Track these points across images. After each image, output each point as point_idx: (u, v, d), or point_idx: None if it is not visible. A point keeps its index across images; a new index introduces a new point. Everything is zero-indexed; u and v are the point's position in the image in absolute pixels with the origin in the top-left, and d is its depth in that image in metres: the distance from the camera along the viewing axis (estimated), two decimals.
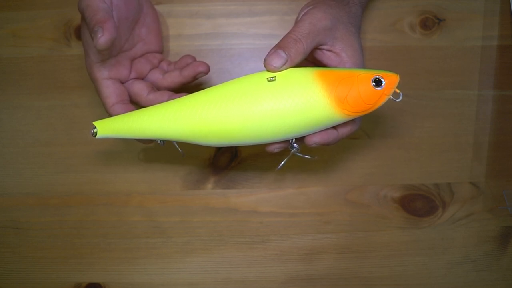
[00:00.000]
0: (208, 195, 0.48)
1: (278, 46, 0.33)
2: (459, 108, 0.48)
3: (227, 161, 0.48)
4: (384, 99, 0.33)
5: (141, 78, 0.40)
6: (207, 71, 0.39)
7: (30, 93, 0.46)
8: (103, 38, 0.32)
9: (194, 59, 0.41)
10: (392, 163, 0.48)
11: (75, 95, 0.46)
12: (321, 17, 0.35)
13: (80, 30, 0.37)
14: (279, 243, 0.49)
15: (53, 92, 0.46)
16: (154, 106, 0.35)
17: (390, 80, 0.33)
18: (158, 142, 0.36)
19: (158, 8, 0.45)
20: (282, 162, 0.38)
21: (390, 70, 0.34)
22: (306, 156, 0.37)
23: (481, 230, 0.50)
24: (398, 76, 0.33)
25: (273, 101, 0.32)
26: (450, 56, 0.47)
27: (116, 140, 0.47)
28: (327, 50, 0.36)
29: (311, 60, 0.39)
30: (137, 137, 0.35)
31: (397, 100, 0.34)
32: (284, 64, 0.33)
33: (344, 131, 0.36)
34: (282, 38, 0.34)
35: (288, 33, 0.34)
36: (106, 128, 0.34)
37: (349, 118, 0.34)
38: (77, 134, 0.47)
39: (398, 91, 0.34)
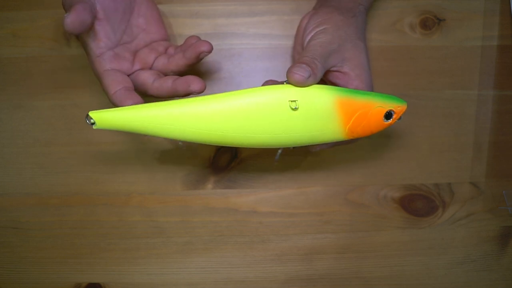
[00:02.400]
0: (208, 195, 0.48)
1: (297, 62, 0.33)
2: (459, 108, 0.48)
3: (227, 161, 0.48)
4: (387, 127, 0.36)
5: (147, 68, 0.39)
6: (209, 50, 0.37)
7: (30, 93, 0.46)
8: (68, 19, 0.32)
9: (198, 39, 0.39)
10: (392, 163, 0.48)
11: (75, 95, 0.46)
12: (330, 41, 0.35)
13: None
14: (279, 243, 0.49)
15: (53, 92, 0.46)
16: (161, 105, 0.33)
17: (399, 112, 0.35)
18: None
19: (158, 8, 0.45)
20: (279, 152, 0.40)
21: (401, 99, 0.36)
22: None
23: (481, 230, 0.50)
24: (406, 105, 0.36)
25: (293, 131, 0.34)
26: (450, 56, 0.47)
27: (116, 140, 0.47)
28: (335, 71, 0.37)
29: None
30: (144, 133, 0.33)
31: (396, 121, 0.36)
32: (309, 77, 0.32)
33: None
34: (297, 59, 0.34)
35: (302, 55, 0.34)
36: (103, 119, 0.32)
37: (352, 138, 0.36)
38: (77, 134, 0.47)
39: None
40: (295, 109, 0.32)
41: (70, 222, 0.48)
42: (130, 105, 0.34)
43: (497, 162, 0.48)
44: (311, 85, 0.33)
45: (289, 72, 0.32)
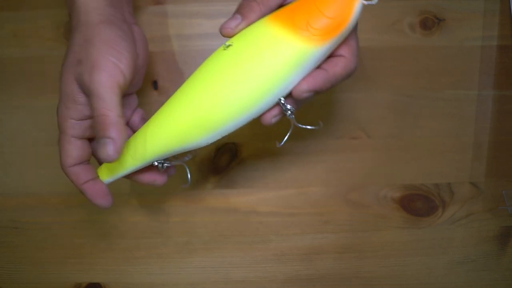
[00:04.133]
0: (208, 195, 0.48)
1: (233, 14, 0.32)
2: (459, 108, 0.48)
3: (227, 161, 0.48)
4: (354, 5, 0.28)
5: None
6: None
7: (30, 93, 0.46)
8: (113, 157, 0.30)
9: None
10: (392, 163, 0.48)
11: None
12: None
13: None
14: (279, 243, 0.49)
15: (53, 92, 0.46)
16: (137, 132, 0.34)
17: None
18: (159, 165, 0.34)
19: (158, 8, 0.45)
20: (285, 137, 0.34)
21: None
22: (309, 127, 0.33)
23: (481, 230, 0.49)
24: None
25: (238, 66, 0.30)
26: (450, 56, 0.47)
27: None
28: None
29: None
30: (142, 165, 0.34)
31: (373, 3, 0.28)
32: (238, 24, 0.31)
33: (336, 69, 0.31)
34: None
35: None
36: (109, 172, 0.34)
37: (327, 44, 0.29)
38: None
39: None
40: (228, 46, 0.31)
41: (70, 222, 0.48)
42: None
43: (497, 162, 0.48)
44: (243, 28, 0.31)
45: (219, 29, 0.32)
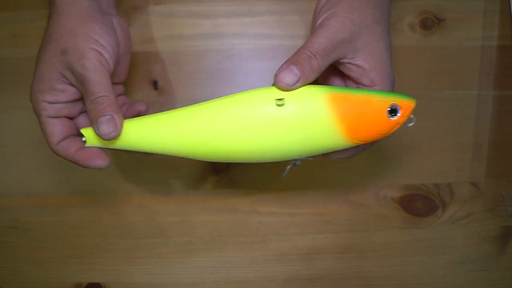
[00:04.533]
0: (208, 195, 0.48)
1: (290, 61, 0.31)
2: (459, 108, 0.48)
3: None
4: (397, 127, 0.32)
5: None
6: (147, 110, 0.38)
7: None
8: (114, 133, 0.31)
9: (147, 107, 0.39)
10: (392, 163, 0.48)
11: None
12: (339, 28, 0.32)
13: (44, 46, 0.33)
14: (279, 243, 0.49)
15: None
16: (149, 117, 0.33)
17: (406, 109, 0.32)
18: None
19: (158, 8, 0.45)
20: (287, 169, 0.37)
21: (407, 95, 0.32)
22: (310, 158, 0.36)
23: (481, 230, 0.50)
24: (415, 101, 0.32)
25: (282, 130, 0.31)
26: (450, 56, 0.47)
27: None
28: (347, 63, 0.33)
29: (330, 68, 0.35)
30: (129, 149, 0.33)
31: (409, 125, 0.33)
32: (296, 82, 0.31)
33: (361, 147, 0.36)
34: (295, 53, 0.31)
35: (302, 47, 0.31)
36: (99, 140, 0.32)
37: (357, 144, 0.33)
38: None
39: (412, 116, 0.33)
40: (281, 105, 0.31)
41: (70, 222, 0.48)
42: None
43: (497, 162, 0.48)
44: (299, 87, 0.31)
45: (275, 76, 0.31)
